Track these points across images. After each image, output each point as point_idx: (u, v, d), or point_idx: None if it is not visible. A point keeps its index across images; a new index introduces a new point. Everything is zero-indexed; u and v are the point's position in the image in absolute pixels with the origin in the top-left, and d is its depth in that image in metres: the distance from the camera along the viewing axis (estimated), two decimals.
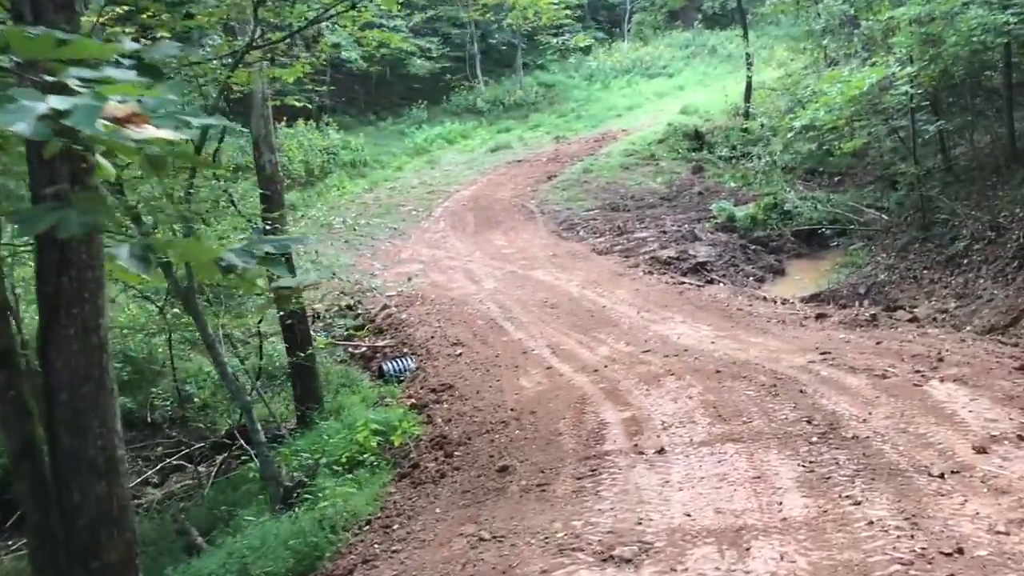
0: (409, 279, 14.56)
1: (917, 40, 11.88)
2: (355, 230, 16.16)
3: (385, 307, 13.94)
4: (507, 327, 11.96)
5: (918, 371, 7.01)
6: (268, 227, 9.49)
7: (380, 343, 12.85)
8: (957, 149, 15.44)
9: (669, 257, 14.97)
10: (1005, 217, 12.01)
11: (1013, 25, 11.15)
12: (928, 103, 13.68)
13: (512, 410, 8.15)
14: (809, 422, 6.16)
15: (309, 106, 30.68)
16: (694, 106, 29.76)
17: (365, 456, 7.49)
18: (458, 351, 11.24)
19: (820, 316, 10.56)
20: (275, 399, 11.17)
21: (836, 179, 20.23)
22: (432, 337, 12.09)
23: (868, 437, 5.70)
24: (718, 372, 7.94)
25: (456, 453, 7.26)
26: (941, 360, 7.32)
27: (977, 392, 6.32)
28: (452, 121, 33.21)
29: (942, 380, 6.66)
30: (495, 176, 25.69)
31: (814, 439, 5.78)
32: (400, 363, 11.49)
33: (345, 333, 13.42)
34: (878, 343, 8.63)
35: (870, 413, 6.20)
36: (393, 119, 33.46)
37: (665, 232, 16.71)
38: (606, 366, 9.22)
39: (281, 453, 8.25)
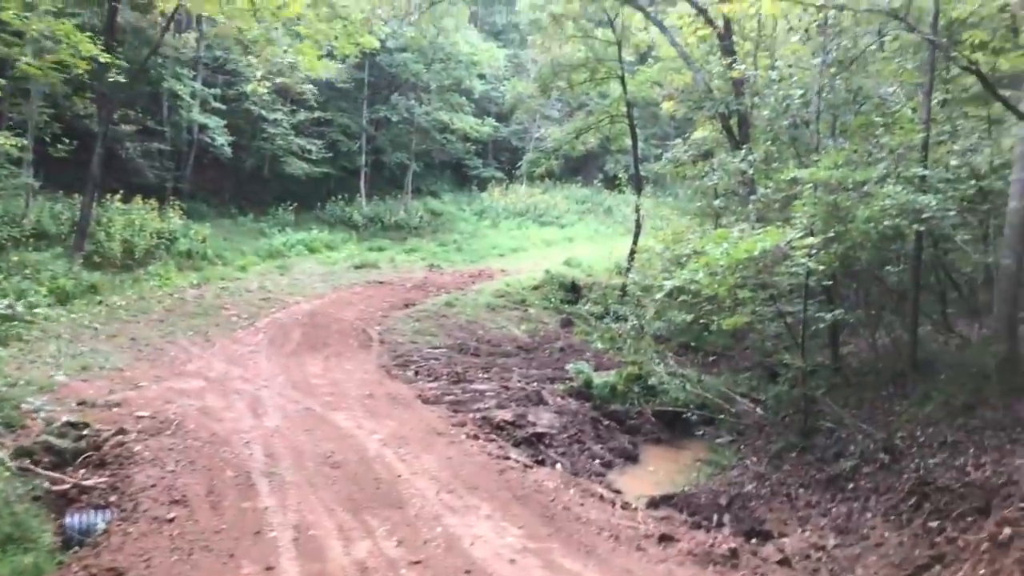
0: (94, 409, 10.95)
1: (822, 210, 9.95)
2: None
3: (122, 431, 10.56)
4: (261, 487, 8.83)
5: None
6: None
7: (91, 481, 9.43)
8: (846, 347, 13.53)
9: (504, 420, 12.20)
10: (902, 439, 9.82)
11: (933, 210, 9.30)
12: (823, 288, 11.72)
13: None
14: None
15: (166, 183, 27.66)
16: (579, 259, 28.28)
17: None
18: (172, 514, 8.01)
19: (665, 538, 7.89)
20: None
21: (711, 359, 18.22)
22: (154, 485, 8.80)
23: None
24: None
25: None
26: None
27: None
28: (321, 229, 30.51)
29: None
30: (347, 294, 22.91)
31: None
32: (89, 518, 8.16)
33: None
34: None
35: None
36: (257, 216, 30.49)
37: (509, 388, 14.03)
38: None
39: None
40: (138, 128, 25.76)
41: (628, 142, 28.32)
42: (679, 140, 22.65)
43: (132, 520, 7.93)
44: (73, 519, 8.20)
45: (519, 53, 42.32)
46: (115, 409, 11.47)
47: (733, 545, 7.72)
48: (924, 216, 9.77)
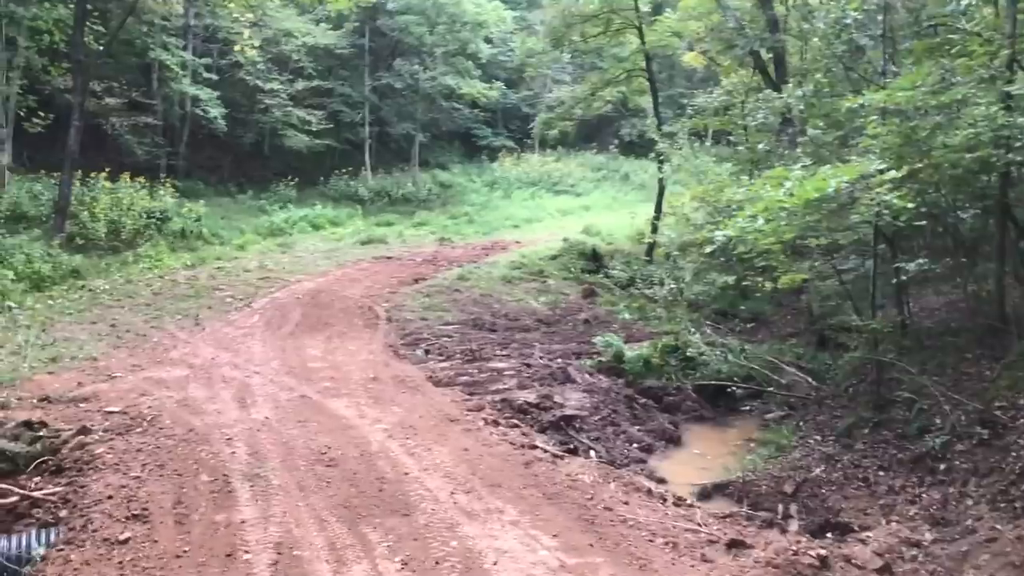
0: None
1: (895, 141, 8.29)
2: None
3: (84, 431, 9.11)
4: (240, 494, 7.36)
5: None
6: None
7: (42, 491, 7.99)
8: (913, 303, 11.90)
9: (526, 403, 10.68)
10: (1003, 409, 8.24)
11: None
12: (887, 238, 10.06)
13: None
14: None
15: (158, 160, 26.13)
16: (597, 227, 26.75)
17: None
18: (127, 534, 6.54)
19: (735, 544, 6.36)
20: None
21: (749, 326, 16.62)
22: (111, 496, 7.34)
23: None
24: None
25: None
26: None
27: None
28: (325, 205, 29.00)
29: None
30: (354, 270, 21.41)
31: None
32: (25, 541, 6.70)
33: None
34: None
35: None
36: (257, 193, 28.98)
37: (531, 365, 12.50)
38: None
39: None
40: (125, 102, 24.23)
41: (643, 103, 26.59)
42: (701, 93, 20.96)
43: (78, 544, 6.45)
44: (9, 542, 6.74)
45: (526, 15, 40.48)
46: (81, 405, 10.03)
47: (823, 552, 6.17)
48: (1018, 145, 8.12)
